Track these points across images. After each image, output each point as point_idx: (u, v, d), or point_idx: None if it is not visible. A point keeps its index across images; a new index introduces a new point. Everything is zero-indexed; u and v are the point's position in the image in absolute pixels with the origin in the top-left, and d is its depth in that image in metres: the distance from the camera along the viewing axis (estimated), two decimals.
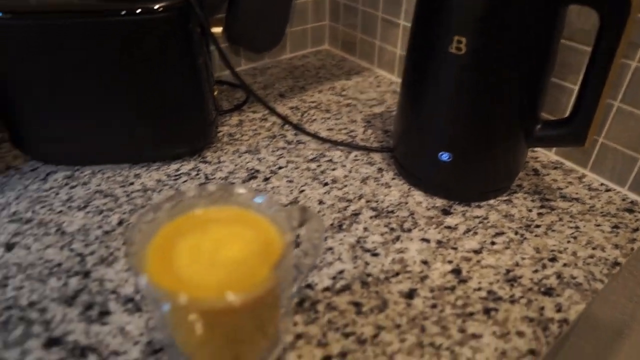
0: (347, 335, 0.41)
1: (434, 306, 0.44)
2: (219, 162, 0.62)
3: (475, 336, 0.41)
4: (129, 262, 0.27)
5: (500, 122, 0.51)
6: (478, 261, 0.49)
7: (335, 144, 0.65)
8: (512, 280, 0.47)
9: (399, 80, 0.84)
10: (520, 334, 0.42)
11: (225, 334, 0.30)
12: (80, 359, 0.39)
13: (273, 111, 0.62)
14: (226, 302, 0.27)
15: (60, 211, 0.55)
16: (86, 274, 0.47)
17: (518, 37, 0.45)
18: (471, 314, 0.43)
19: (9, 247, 0.50)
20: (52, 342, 0.40)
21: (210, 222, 0.32)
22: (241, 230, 0.32)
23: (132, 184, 0.59)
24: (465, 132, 0.51)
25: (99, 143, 0.59)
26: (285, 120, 0.63)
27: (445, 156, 0.53)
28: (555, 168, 0.64)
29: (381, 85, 0.84)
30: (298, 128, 0.64)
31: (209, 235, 0.31)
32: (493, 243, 0.51)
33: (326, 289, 0.45)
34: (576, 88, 0.60)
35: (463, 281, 0.46)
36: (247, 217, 0.33)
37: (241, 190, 0.33)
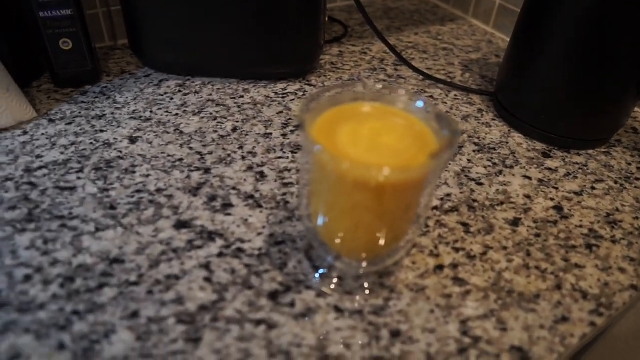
0: (457, 250, 0.43)
1: (537, 235, 0.46)
2: (324, 87, 0.64)
3: (578, 266, 0.43)
4: (300, 132, 0.29)
5: (617, 70, 0.51)
6: (579, 202, 0.50)
7: (437, 81, 0.66)
8: (612, 223, 0.48)
9: (495, 32, 0.84)
10: (622, 270, 0.43)
11: (370, 210, 0.32)
12: (208, 241, 0.43)
13: (387, 44, 0.64)
14: (383, 175, 0.29)
15: (177, 114, 0.58)
16: (207, 170, 0.50)
17: None
18: (574, 246, 0.45)
19: (133, 140, 0.53)
20: (181, 225, 0.44)
21: (369, 114, 0.35)
22: (396, 124, 0.34)
23: (242, 97, 0.62)
24: (580, 77, 0.52)
25: (212, 55, 0.62)
26: (395, 52, 0.65)
27: (554, 100, 0.54)
28: None
29: (476, 34, 0.84)
30: (405, 61, 0.65)
31: (366, 125, 0.33)
32: (593, 188, 0.52)
33: (435, 207, 0.47)
34: None
35: (565, 217, 0.48)
36: (402, 115, 0.35)
37: (403, 92, 0.35)
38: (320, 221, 0.35)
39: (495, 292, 0.40)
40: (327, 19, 0.65)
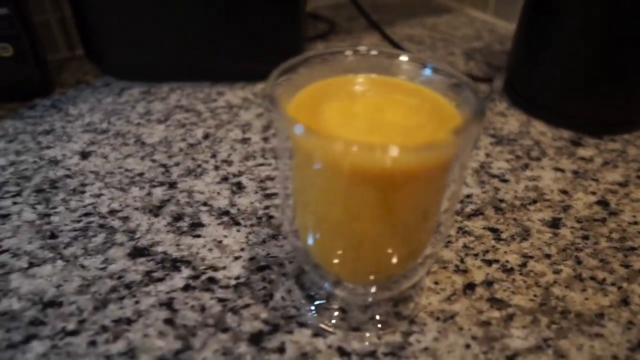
0: (489, 263, 0.34)
1: (585, 237, 0.37)
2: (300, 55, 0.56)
3: None
4: (271, 110, 0.20)
5: None
6: (626, 194, 0.41)
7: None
8: None
9: (495, 20, 0.76)
10: None
11: (374, 215, 0.23)
12: (171, 271, 0.33)
13: (381, 31, 0.55)
14: (391, 155, 0.20)
15: (139, 123, 0.49)
16: (172, 185, 0.41)
17: None
18: (632, 248, 0.36)
19: (85, 155, 0.44)
20: (138, 252, 0.35)
21: (363, 88, 0.26)
22: (402, 97, 0.25)
23: (215, 100, 0.53)
24: (607, 48, 0.44)
25: (179, 54, 0.53)
26: (390, 40, 0.56)
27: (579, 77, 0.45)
28: None
29: (475, 23, 0.75)
30: (401, 49, 0.56)
31: (361, 101, 0.25)
32: (639, 177, 0.43)
33: (455, 212, 0.38)
34: None
35: (613, 213, 0.39)
36: (410, 87, 0.26)
37: (405, 57, 0.26)
38: (310, 238, 0.26)
39: (546, 314, 0.31)
40: (310, 15, 0.56)
